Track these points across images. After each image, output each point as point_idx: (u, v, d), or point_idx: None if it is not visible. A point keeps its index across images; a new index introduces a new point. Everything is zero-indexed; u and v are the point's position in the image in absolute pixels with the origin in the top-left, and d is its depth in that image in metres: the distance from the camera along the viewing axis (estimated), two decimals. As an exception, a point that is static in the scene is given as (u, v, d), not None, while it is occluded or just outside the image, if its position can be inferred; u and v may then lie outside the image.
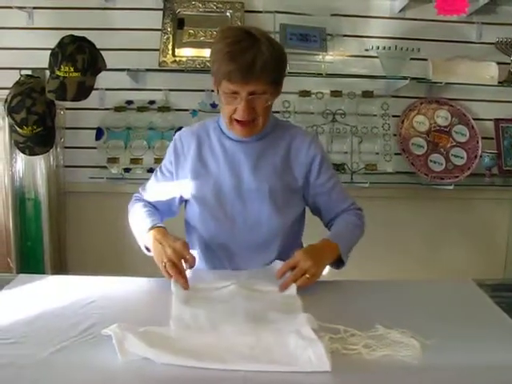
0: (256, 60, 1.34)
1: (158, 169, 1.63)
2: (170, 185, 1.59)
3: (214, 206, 1.52)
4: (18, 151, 2.51)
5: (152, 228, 1.44)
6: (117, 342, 1.01)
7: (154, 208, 1.59)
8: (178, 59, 2.57)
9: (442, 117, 2.72)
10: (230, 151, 1.52)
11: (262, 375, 0.95)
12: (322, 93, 2.67)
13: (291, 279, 1.30)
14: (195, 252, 1.56)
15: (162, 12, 2.59)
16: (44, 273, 2.59)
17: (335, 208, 1.57)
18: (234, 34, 1.39)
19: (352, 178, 2.57)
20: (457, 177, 2.65)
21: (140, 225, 1.50)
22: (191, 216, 1.60)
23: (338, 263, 1.44)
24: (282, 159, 1.52)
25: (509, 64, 2.65)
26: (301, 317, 1.11)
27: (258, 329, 1.07)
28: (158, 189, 1.61)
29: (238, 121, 1.43)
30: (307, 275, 1.29)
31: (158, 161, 2.47)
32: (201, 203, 1.54)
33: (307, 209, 1.64)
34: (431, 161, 2.68)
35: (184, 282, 1.31)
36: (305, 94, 2.66)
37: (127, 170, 2.58)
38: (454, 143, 2.71)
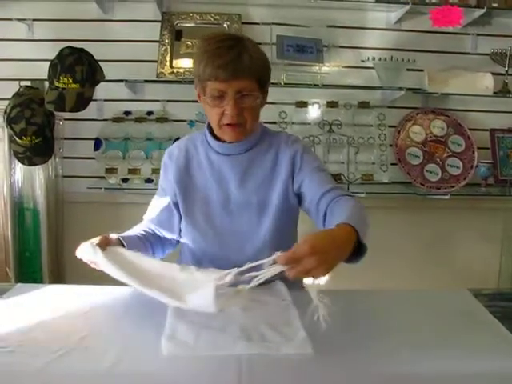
0: (242, 55, 1.32)
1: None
2: (167, 200, 1.54)
3: (202, 220, 1.48)
4: (17, 161, 2.52)
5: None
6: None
7: (151, 235, 1.53)
8: (175, 70, 2.59)
9: (438, 127, 2.74)
10: (216, 165, 1.48)
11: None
12: (318, 103, 2.69)
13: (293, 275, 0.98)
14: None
15: (160, 24, 2.61)
16: (42, 282, 2.60)
17: (319, 188, 1.39)
18: (217, 36, 1.39)
19: (348, 189, 2.57)
20: (453, 187, 2.66)
21: None
22: (182, 231, 1.55)
23: (356, 253, 1.11)
24: (269, 171, 1.47)
25: (503, 75, 2.67)
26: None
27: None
28: (157, 206, 1.56)
29: (227, 124, 1.38)
30: (310, 276, 0.98)
31: (156, 171, 2.48)
32: (189, 218, 1.50)
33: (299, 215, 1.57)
34: (427, 171, 2.69)
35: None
36: (301, 104, 2.68)
37: (125, 180, 2.59)
38: (450, 153, 2.73)
